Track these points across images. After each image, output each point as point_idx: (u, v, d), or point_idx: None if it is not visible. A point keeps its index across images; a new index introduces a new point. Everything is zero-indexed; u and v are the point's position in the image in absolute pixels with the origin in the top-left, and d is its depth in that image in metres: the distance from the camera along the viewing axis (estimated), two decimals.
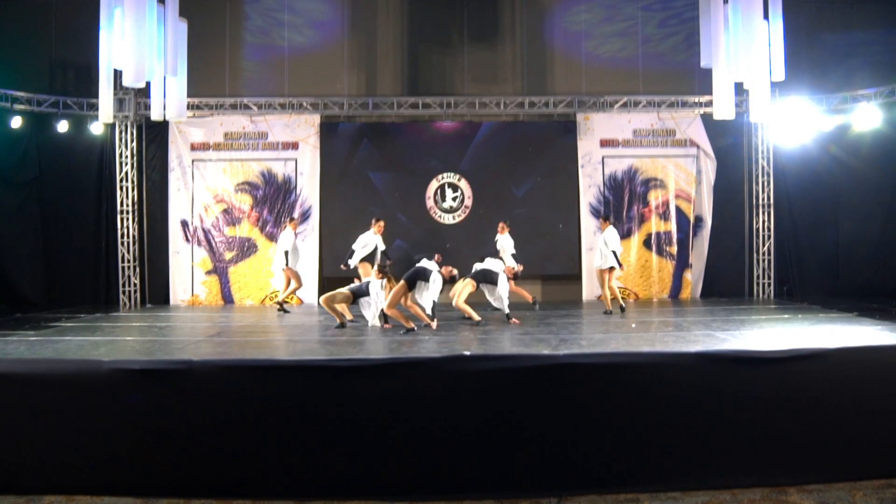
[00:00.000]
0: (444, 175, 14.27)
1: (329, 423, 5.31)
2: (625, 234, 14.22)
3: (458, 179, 14.26)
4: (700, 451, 5.29)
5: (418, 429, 5.30)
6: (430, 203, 14.18)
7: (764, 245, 14.22)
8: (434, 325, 9.57)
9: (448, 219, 14.17)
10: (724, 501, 4.95)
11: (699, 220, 14.37)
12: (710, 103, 12.47)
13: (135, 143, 13.96)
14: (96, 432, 5.34)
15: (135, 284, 13.83)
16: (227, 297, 14.05)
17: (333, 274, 13.01)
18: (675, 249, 14.28)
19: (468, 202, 14.25)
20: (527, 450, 5.25)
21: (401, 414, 5.33)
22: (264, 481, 5.24)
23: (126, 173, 13.83)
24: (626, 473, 5.23)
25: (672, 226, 14.29)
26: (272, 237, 14.06)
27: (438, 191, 14.23)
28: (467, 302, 10.48)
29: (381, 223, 11.76)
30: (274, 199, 14.12)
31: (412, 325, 9.44)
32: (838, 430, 5.36)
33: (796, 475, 5.26)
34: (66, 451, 5.33)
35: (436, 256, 10.70)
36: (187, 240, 14.05)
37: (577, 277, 14.21)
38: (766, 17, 10.68)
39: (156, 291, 14.16)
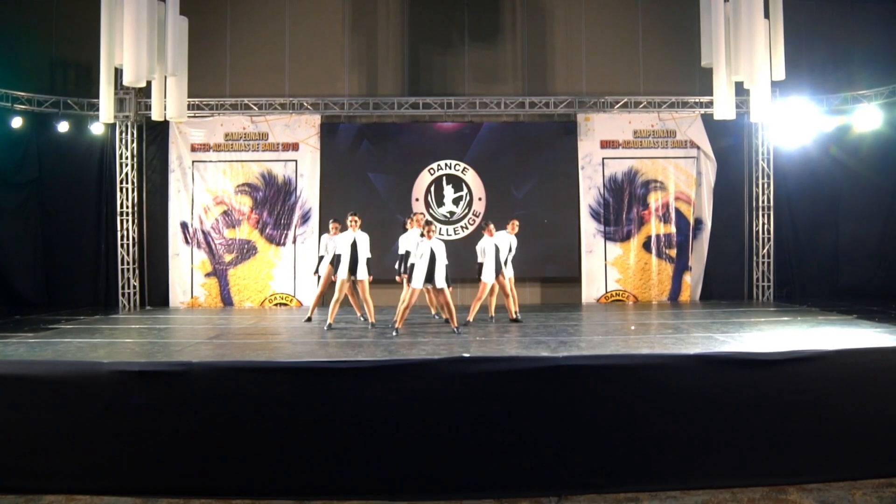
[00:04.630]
0: (442, 165, 14.09)
1: (328, 423, 5.31)
2: (624, 237, 14.24)
3: (464, 171, 14.10)
4: (699, 450, 5.29)
5: (418, 429, 5.29)
6: (421, 207, 14.02)
7: (764, 247, 14.21)
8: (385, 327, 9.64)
9: (449, 230, 14.02)
10: (724, 500, 4.95)
11: (699, 222, 14.36)
12: (710, 103, 12.46)
13: (135, 144, 13.95)
14: (96, 433, 5.33)
15: (134, 286, 13.81)
16: (227, 300, 14.04)
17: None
18: (674, 252, 14.25)
19: (477, 207, 14.10)
20: (526, 450, 5.25)
21: (400, 415, 5.33)
22: (264, 481, 5.24)
23: (126, 174, 13.82)
24: (626, 473, 5.22)
25: (672, 228, 14.26)
26: (271, 239, 14.06)
27: (434, 188, 14.15)
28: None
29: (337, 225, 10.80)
30: (274, 200, 14.10)
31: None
32: (838, 431, 5.35)
33: (796, 474, 5.26)
34: (65, 451, 5.32)
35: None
36: (187, 242, 14.03)
37: (577, 280, 14.20)
38: (766, 16, 10.69)
39: (155, 293, 14.16)
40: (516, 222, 11.05)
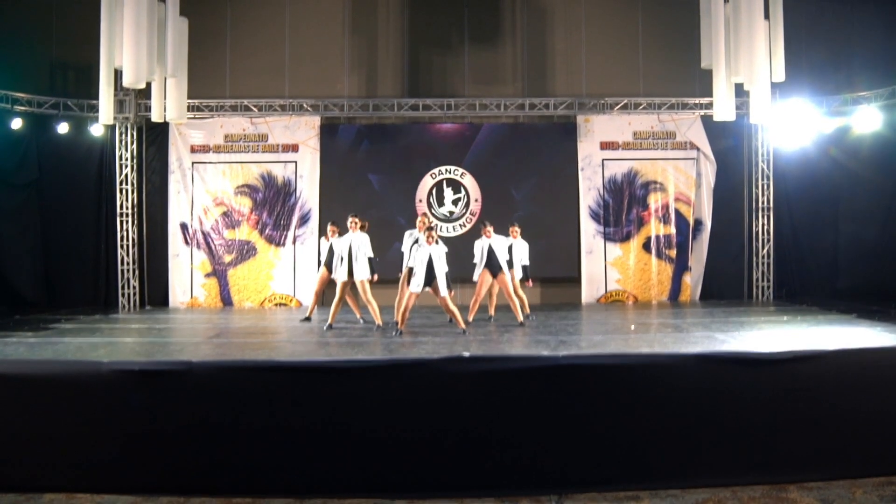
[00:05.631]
0: (442, 170, 14.08)
1: (328, 422, 5.32)
2: (624, 238, 14.24)
3: (462, 175, 14.12)
4: (700, 449, 5.30)
5: (418, 428, 5.30)
6: (424, 207, 14.03)
7: (763, 248, 14.21)
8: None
9: (448, 228, 14.02)
10: (725, 499, 4.95)
11: (699, 223, 14.35)
12: (710, 105, 12.46)
13: (135, 145, 13.95)
14: (96, 432, 5.34)
15: (134, 287, 13.80)
16: (226, 300, 14.03)
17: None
18: (674, 252, 14.25)
19: (473, 207, 14.11)
20: (527, 449, 5.25)
21: (400, 414, 5.33)
22: (263, 480, 5.24)
23: (126, 175, 13.81)
24: (626, 471, 5.23)
25: (672, 229, 14.26)
26: (271, 240, 14.06)
27: (435, 191, 14.14)
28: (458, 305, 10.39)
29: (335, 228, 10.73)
30: (273, 201, 14.09)
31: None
32: (838, 430, 5.36)
33: (796, 473, 5.27)
34: (66, 450, 5.33)
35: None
36: (187, 242, 14.03)
37: (577, 280, 14.20)
38: (766, 17, 10.69)
39: (155, 294, 14.14)
40: (516, 228, 11.05)
